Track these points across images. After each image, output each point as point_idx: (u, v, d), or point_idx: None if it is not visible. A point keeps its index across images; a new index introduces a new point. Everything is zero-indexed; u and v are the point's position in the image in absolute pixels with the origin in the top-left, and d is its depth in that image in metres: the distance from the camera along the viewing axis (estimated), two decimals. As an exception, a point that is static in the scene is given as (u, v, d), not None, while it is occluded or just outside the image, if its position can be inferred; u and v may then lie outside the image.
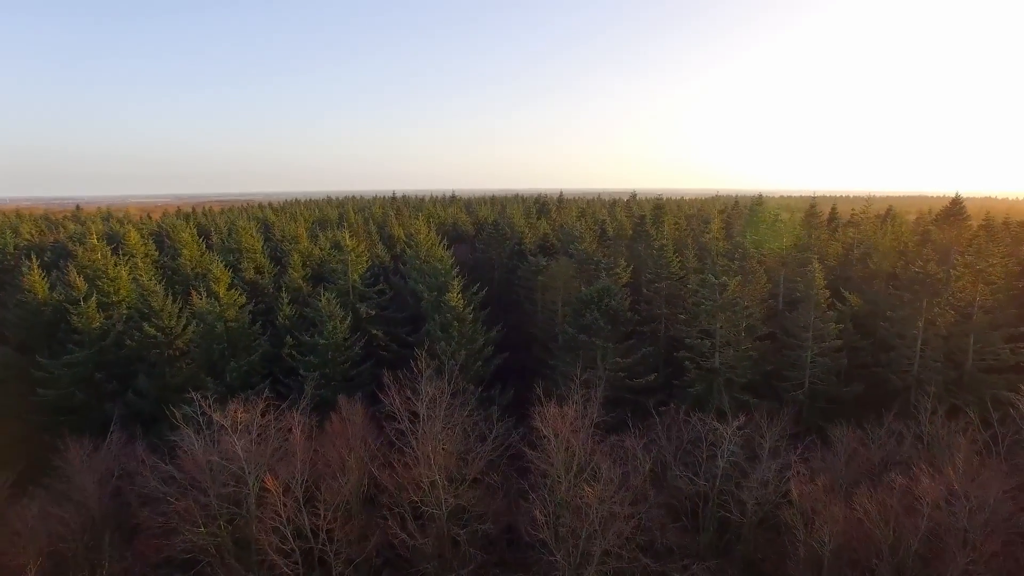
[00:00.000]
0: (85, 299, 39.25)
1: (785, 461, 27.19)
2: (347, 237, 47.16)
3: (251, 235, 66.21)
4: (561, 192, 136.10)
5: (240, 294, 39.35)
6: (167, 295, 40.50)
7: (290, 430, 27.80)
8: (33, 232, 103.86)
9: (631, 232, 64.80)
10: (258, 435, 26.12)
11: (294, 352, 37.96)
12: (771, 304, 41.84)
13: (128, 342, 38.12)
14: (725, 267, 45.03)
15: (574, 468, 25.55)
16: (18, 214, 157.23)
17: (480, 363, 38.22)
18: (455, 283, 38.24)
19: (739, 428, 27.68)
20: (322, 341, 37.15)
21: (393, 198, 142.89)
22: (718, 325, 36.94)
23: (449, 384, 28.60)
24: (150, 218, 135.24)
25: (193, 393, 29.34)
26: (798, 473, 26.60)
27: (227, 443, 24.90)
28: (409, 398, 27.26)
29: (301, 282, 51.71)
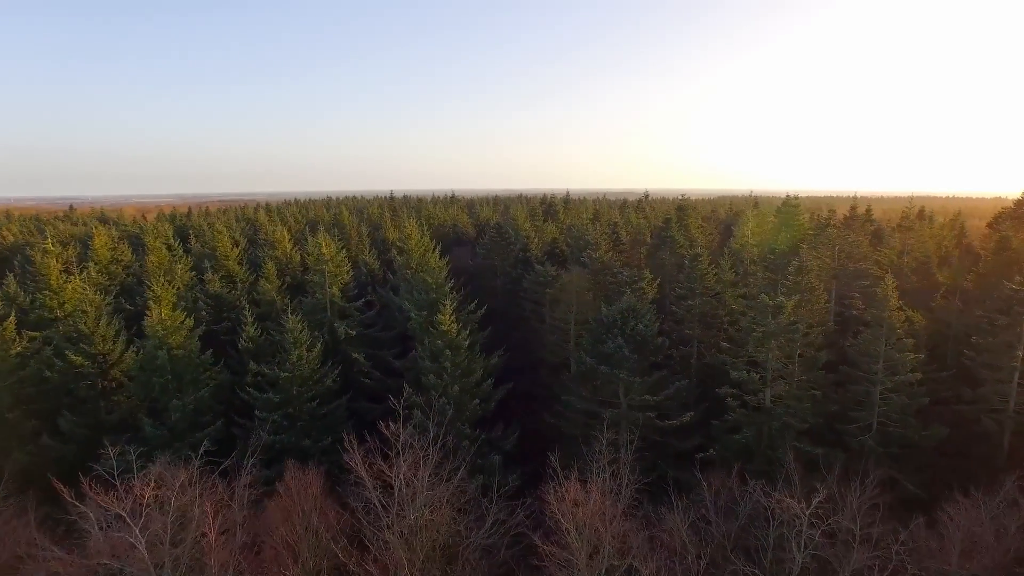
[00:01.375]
0: (2, 319, 32.58)
1: (883, 552, 20.32)
2: (324, 244, 40.40)
3: (226, 239, 59.59)
4: (568, 192, 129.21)
5: (186, 316, 32.52)
6: (102, 312, 33.82)
7: (230, 502, 21.18)
8: (17, 234, 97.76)
9: (650, 237, 57.93)
10: (177, 518, 19.38)
11: (249, 388, 31.17)
12: (828, 327, 34.83)
13: (47, 373, 31.41)
14: (768, 280, 38.20)
15: (603, 568, 18.76)
16: (7, 214, 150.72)
17: (478, 400, 31.40)
18: (447, 303, 31.42)
19: (819, 508, 20.77)
20: (284, 374, 30.38)
21: (390, 198, 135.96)
22: (770, 355, 30.07)
23: (435, 445, 21.86)
24: (144, 218, 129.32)
25: (108, 447, 22.63)
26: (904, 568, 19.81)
27: (128, 537, 18.15)
28: (381, 467, 20.50)
29: (275, 295, 44.96)
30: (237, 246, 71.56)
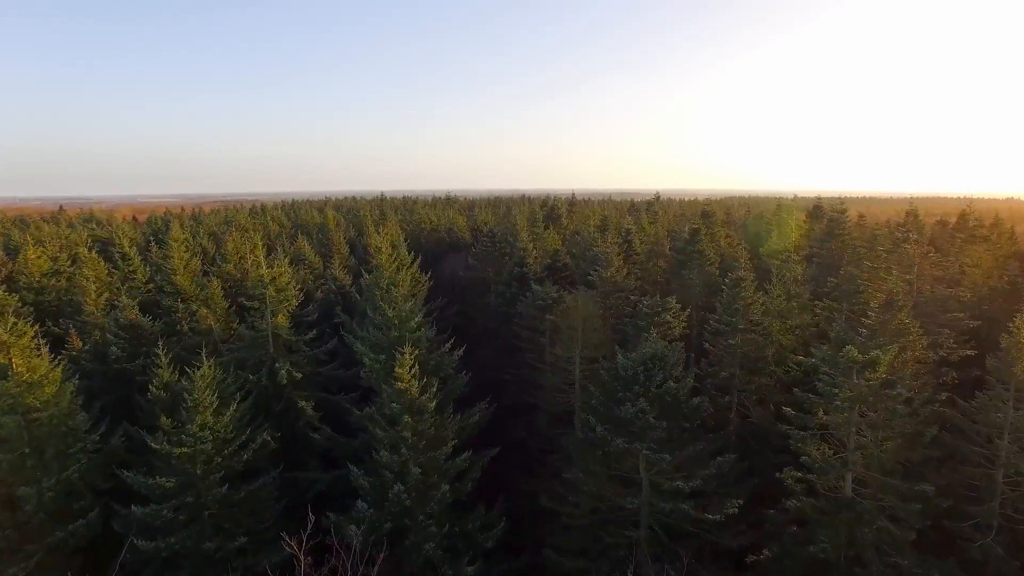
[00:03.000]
0: None
1: None
2: (264, 264, 32.03)
3: (180, 249, 51.33)
4: (573, 193, 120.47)
5: (55, 367, 24.18)
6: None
7: None
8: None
9: (669, 247, 49.27)
10: None
11: (127, 472, 22.75)
12: (927, 380, 26.05)
13: None
14: (828, 307, 29.56)
15: None
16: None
17: (448, 484, 22.92)
18: (408, 351, 22.90)
19: None
20: (179, 450, 21.97)
21: (380, 199, 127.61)
22: (854, 429, 21.43)
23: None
24: (136, 220, 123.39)
25: None
26: None
27: None
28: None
29: (213, 323, 36.64)
30: (204, 255, 63.51)
